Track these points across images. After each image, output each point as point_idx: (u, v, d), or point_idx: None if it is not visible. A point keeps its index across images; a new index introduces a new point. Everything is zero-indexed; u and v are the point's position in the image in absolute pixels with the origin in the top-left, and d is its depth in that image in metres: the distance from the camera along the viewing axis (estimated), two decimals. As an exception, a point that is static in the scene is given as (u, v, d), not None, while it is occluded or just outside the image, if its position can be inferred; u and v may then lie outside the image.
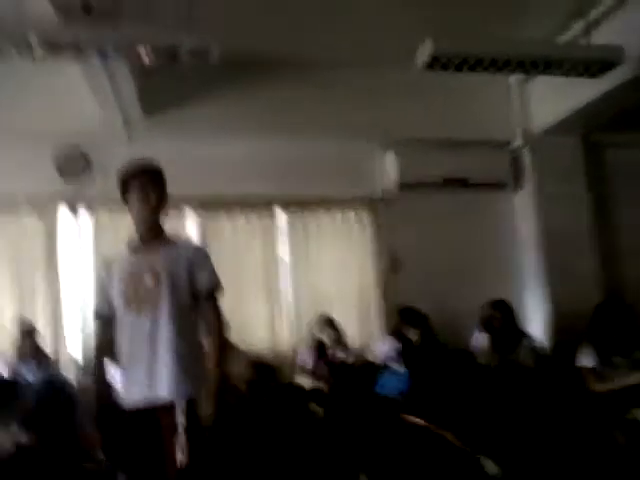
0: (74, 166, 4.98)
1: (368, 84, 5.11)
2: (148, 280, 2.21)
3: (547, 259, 5.27)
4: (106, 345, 2.34)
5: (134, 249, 2.35)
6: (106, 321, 2.33)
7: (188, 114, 4.92)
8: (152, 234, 2.33)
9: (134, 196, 2.31)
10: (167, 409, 2.13)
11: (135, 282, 2.23)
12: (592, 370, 4.11)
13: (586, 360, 4.14)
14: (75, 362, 4.72)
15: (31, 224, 4.91)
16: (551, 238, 5.25)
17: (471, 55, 3.86)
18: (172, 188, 4.98)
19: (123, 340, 2.25)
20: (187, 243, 2.48)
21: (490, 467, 3.71)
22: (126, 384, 2.24)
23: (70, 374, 4.53)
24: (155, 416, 2.15)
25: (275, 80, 5.00)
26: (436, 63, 3.87)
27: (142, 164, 2.39)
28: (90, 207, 4.99)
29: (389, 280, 5.29)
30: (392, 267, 5.30)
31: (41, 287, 4.84)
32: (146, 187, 2.32)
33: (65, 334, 4.81)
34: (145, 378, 2.17)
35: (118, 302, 2.26)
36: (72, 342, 4.79)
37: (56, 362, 4.56)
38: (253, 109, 4.99)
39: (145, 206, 2.31)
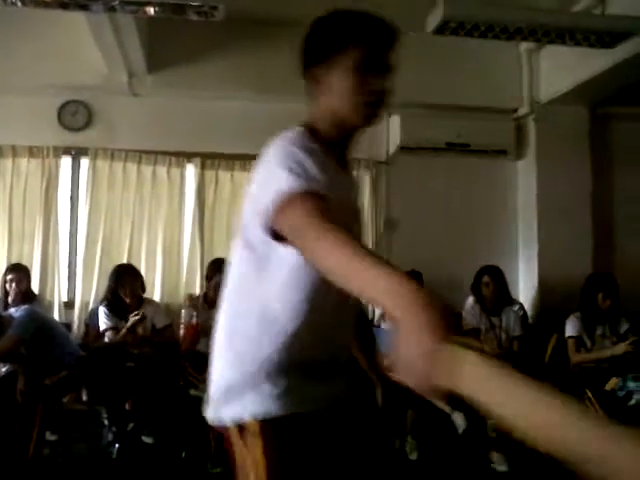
0: (77, 118, 5.00)
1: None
2: None
3: (542, 228, 5.27)
4: None
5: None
6: None
7: (193, 70, 4.87)
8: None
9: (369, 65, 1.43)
10: None
11: None
12: (576, 340, 4.20)
13: (572, 330, 4.22)
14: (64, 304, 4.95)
15: (31, 172, 4.96)
16: (549, 208, 5.23)
17: (482, 21, 3.79)
18: (174, 143, 5.06)
19: None
20: None
21: (459, 421, 3.84)
22: None
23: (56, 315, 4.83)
24: None
25: (282, 39, 4.88)
26: (447, 28, 3.80)
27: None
28: (90, 158, 5.01)
29: (385, 241, 5.32)
30: (388, 228, 5.34)
31: (37, 233, 4.92)
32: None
33: (57, 278, 4.95)
34: None
35: None
36: (63, 285, 5.00)
37: (44, 303, 4.70)
38: (258, 67, 4.92)
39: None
